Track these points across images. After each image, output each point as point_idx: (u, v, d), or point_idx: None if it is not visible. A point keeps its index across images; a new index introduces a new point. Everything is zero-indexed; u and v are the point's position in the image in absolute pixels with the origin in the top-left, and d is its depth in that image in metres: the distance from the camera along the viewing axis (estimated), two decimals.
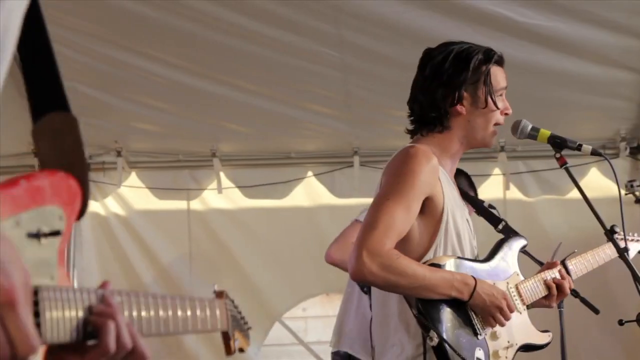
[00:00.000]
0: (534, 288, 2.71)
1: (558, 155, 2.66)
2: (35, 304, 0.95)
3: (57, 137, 1.14)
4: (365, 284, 3.69)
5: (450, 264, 2.52)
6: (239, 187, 5.21)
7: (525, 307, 2.68)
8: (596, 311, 3.13)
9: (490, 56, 2.63)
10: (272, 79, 4.59)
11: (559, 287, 2.74)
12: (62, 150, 1.13)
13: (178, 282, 5.21)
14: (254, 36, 4.21)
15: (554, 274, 2.76)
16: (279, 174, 5.19)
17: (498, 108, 2.63)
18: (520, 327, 2.65)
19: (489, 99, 2.60)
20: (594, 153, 2.68)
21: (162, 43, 4.28)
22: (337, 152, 5.24)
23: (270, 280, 5.25)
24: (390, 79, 4.45)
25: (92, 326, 1.03)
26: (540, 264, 3.07)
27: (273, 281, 5.25)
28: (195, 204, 5.25)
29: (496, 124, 2.65)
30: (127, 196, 5.21)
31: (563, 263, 2.82)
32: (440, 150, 2.60)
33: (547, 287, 2.74)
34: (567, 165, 2.65)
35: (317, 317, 6.70)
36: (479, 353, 2.49)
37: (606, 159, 2.68)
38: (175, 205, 5.24)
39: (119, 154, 5.09)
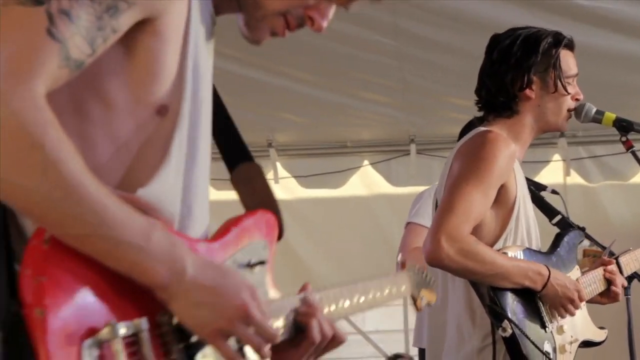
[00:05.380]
0: (593, 283, 2.68)
1: (624, 139, 2.60)
2: None
3: (250, 183, 1.49)
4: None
5: (520, 255, 2.49)
6: (295, 177, 5.22)
7: (584, 302, 2.65)
8: None
9: (560, 40, 2.58)
10: (328, 68, 4.58)
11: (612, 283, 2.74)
12: (255, 192, 1.48)
13: None
14: None
15: (611, 269, 2.75)
16: (335, 164, 5.19)
17: (568, 93, 2.57)
18: (581, 322, 2.63)
19: (559, 83, 2.55)
20: None
21: (217, 34, 4.30)
22: (394, 140, 5.21)
23: (327, 270, 5.26)
24: (447, 66, 4.40)
25: (299, 324, 1.35)
26: (604, 248, 3.02)
27: (330, 270, 5.25)
28: None
29: (569, 110, 2.59)
30: None
31: (617, 260, 2.79)
32: (512, 136, 2.55)
33: (608, 282, 2.73)
34: (634, 148, 2.59)
35: None
36: (547, 346, 2.46)
37: None
38: (232, 195, 5.24)
39: None
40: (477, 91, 2.64)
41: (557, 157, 5.11)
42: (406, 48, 4.36)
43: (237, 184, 1.49)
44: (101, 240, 1.07)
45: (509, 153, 2.46)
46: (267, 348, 1.20)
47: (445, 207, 2.40)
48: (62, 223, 1.05)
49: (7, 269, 1.06)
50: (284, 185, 5.24)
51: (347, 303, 1.47)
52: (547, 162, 5.07)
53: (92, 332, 1.05)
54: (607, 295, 2.76)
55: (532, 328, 2.44)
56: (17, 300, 1.03)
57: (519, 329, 2.37)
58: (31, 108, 1.03)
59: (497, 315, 2.38)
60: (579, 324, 2.61)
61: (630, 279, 3.14)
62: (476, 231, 2.44)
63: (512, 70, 2.54)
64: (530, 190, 2.89)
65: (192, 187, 1.27)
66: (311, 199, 5.28)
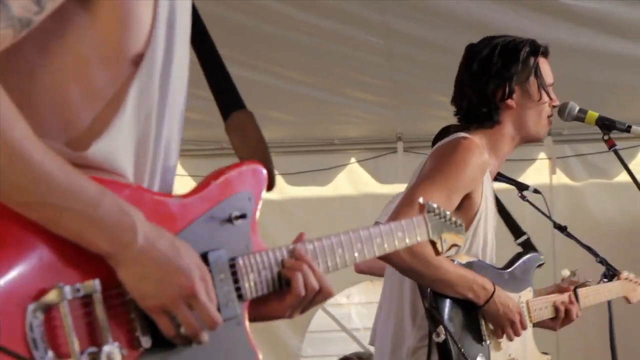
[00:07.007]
0: (543, 308, 2.68)
1: (606, 137, 2.61)
2: (234, 273, 1.26)
3: (242, 130, 1.45)
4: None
5: (469, 264, 2.47)
6: (282, 174, 5.23)
7: (531, 324, 2.65)
8: None
9: (537, 48, 2.58)
10: (316, 66, 4.59)
11: (567, 312, 2.72)
12: (247, 140, 1.44)
13: None
14: (298, 24, 4.21)
15: (564, 298, 2.74)
16: (322, 161, 5.20)
17: (551, 99, 2.58)
18: (522, 344, 2.60)
19: (542, 91, 2.56)
20: None
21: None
22: (381, 138, 5.22)
23: None
24: (435, 64, 4.41)
25: (284, 277, 1.32)
26: (588, 248, 3.03)
27: None
28: None
29: (548, 116, 2.61)
30: None
31: (575, 290, 2.80)
32: (490, 147, 2.55)
33: (556, 310, 2.72)
34: (616, 147, 2.61)
35: (361, 303, 6.70)
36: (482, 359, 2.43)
37: None
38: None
39: None
40: (456, 101, 2.63)
41: (542, 155, 5.13)
42: (395, 46, 4.37)
43: (230, 133, 1.47)
44: (46, 208, 1.05)
45: (480, 163, 2.45)
46: (204, 335, 1.17)
47: (404, 203, 2.37)
48: (6, 191, 1.03)
49: None
50: None
51: (346, 254, 1.44)
52: (533, 160, 5.09)
53: (37, 294, 1.04)
54: (557, 321, 2.75)
55: (467, 339, 2.40)
56: None
57: (452, 338, 2.34)
58: None
59: (434, 319, 2.35)
60: (519, 345, 2.58)
61: (611, 277, 3.16)
62: None
63: (494, 80, 2.54)
64: (501, 207, 2.88)
65: (161, 139, 1.25)
66: (298, 196, 5.29)
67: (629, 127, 2.62)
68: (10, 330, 1.01)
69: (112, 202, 1.10)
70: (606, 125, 2.62)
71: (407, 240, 1.59)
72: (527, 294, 2.66)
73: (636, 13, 3.96)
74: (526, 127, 2.57)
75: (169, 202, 1.21)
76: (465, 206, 2.47)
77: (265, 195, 5.10)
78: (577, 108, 2.67)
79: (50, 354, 1.04)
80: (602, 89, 4.46)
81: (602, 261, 3.20)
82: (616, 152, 2.61)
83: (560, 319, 2.72)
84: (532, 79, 2.56)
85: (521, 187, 3.33)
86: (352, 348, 5.35)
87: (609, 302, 3.15)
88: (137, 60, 1.19)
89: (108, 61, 1.17)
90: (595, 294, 2.95)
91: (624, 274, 3.18)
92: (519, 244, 2.85)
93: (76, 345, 1.06)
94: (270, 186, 1.37)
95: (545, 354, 2.74)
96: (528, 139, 2.63)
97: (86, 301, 1.08)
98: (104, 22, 1.15)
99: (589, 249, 3.21)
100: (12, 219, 1.04)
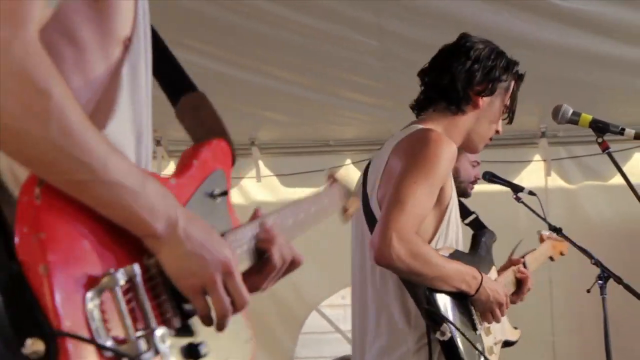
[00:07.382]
0: (509, 283, 2.72)
1: (600, 140, 2.61)
2: None
3: (195, 112, 1.47)
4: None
5: (454, 256, 2.48)
6: (277, 175, 5.22)
7: None
8: None
9: (520, 75, 2.63)
10: (312, 67, 4.59)
11: (523, 280, 2.79)
12: (203, 121, 1.46)
13: None
14: (292, 25, 4.21)
15: (519, 269, 2.80)
16: (317, 162, 5.19)
17: (496, 126, 2.62)
18: (501, 324, 2.63)
19: (500, 111, 2.58)
20: (638, 137, 2.63)
21: (200, 33, 4.29)
22: (376, 139, 5.21)
23: (308, 269, 5.18)
24: None
25: (260, 250, 1.34)
26: (583, 250, 3.04)
27: (311, 269, 5.25)
28: (234, 193, 5.25)
29: (490, 138, 2.64)
30: None
31: (524, 262, 2.85)
32: (446, 134, 2.53)
33: (518, 281, 2.76)
34: (610, 150, 2.61)
35: None
36: (479, 348, 2.44)
37: None
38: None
39: (158, 142, 5.13)
40: (434, 74, 2.61)
41: (537, 157, 5.13)
42: (390, 47, 4.37)
43: (182, 116, 1.47)
44: (103, 186, 1.06)
45: (451, 153, 2.44)
46: (229, 319, 1.18)
47: (394, 204, 2.34)
48: (68, 169, 1.03)
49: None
50: (266, 184, 5.25)
51: (296, 225, 1.50)
52: (528, 162, 5.10)
53: (92, 282, 1.06)
54: (517, 294, 2.79)
55: (465, 330, 2.40)
56: (13, 259, 1.01)
57: (462, 333, 2.33)
58: (33, 54, 1.02)
59: (435, 318, 2.33)
60: (498, 325, 2.61)
61: (606, 278, 3.17)
62: None
63: (484, 74, 2.56)
64: None
65: (149, 120, 1.27)
66: (293, 197, 5.27)
67: (623, 129, 2.62)
68: (77, 319, 1.03)
69: (154, 182, 1.13)
70: (600, 127, 2.62)
71: (333, 208, 1.68)
72: (493, 274, 2.68)
73: (625, 14, 3.96)
74: (475, 131, 2.59)
75: (170, 184, 1.23)
76: (439, 198, 2.46)
77: (260, 196, 5.11)
78: (571, 111, 2.67)
79: (110, 339, 1.06)
80: (591, 89, 4.46)
81: (597, 263, 3.20)
82: (610, 155, 2.61)
83: (521, 290, 2.77)
84: (504, 97, 2.59)
85: (516, 189, 3.34)
86: (347, 349, 5.35)
87: (603, 303, 3.16)
88: (127, 43, 1.20)
89: (104, 47, 1.17)
90: (535, 260, 3.02)
91: (545, 233, 3.21)
92: (467, 224, 2.85)
93: (132, 329, 1.07)
94: (233, 162, 1.39)
95: (515, 328, 2.79)
96: (468, 145, 2.64)
97: (129, 286, 1.09)
98: (101, 4, 1.16)
99: (584, 251, 3.21)
100: (57, 207, 1.05)
